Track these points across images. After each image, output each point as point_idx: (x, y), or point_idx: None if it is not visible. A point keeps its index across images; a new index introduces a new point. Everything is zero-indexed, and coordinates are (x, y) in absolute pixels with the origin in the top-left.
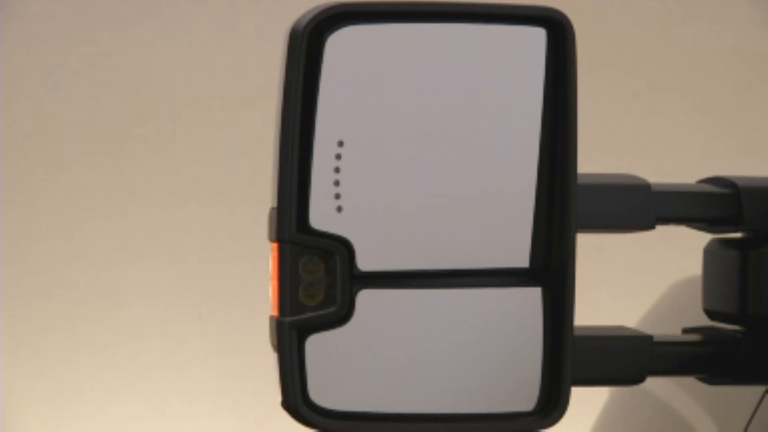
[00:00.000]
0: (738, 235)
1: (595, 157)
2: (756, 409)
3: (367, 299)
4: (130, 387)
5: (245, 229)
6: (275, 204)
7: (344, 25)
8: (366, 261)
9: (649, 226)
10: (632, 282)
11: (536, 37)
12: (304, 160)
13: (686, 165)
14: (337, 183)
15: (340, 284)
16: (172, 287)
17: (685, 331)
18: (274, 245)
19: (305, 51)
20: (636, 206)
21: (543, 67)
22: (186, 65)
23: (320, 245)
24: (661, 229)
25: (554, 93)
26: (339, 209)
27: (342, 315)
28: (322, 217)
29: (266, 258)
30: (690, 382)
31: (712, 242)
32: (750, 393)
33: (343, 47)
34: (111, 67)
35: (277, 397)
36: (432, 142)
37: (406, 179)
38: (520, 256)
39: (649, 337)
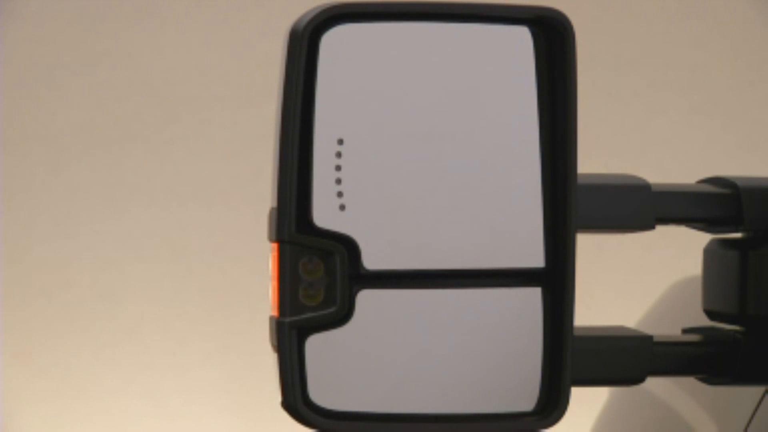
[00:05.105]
0: (738, 235)
1: (595, 157)
2: (756, 409)
3: (367, 299)
4: (130, 387)
5: (245, 229)
6: (275, 204)
7: (339, 24)
8: (371, 260)
9: (649, 226)
10: (632, 282)
11: (535, 37)
12: (304, 159)
13: (686, 165)
14: (338, 181)
15: (340, 284)
16: (172, 287)
17: (685, 331)
18: (274, 245)
19: (305, 51)
20: (636, 206)
21: (542, 66)
22: (186, 65)
23: (320, 245)
24: (661, 229)
25: (554, 93)
26: (342, 207)
27: (342, 315)
28: (325, 215)
29: (266, 258)
30: (690, 382)
31: (712, 242)
32: (750, 393)
33: (338, 45)
34: (111, 67)
35: (277, 397)
36: (431, 141)
37: (407, 178)
38: (532, 256)
39: (649, 337)
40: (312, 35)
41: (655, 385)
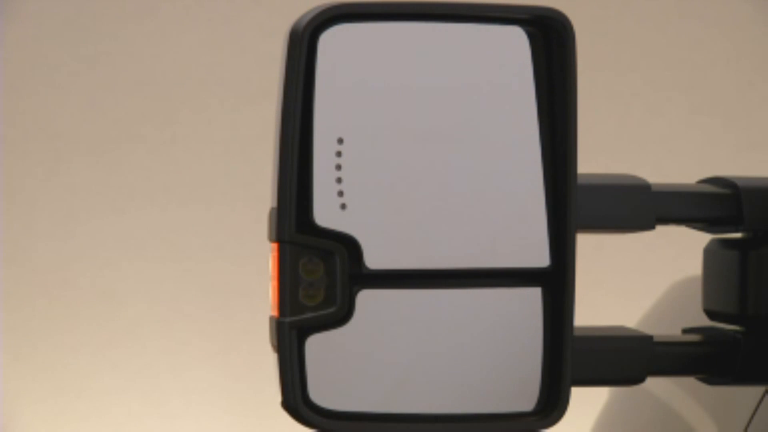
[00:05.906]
0: (738, 235)
1: (595, 157)
2: (756, 409)
3: (367, 299)
4: (130, 387)
5: (245, 229)
6: (275, 204)
7: (337, 23)
8: (373, 259)
9: (649, 226)
10: (632, 282)
11: (532, 36)
12: (304, 159)
13: (686, 165)
14: (339, 180)
15: (340, 284)
16: (172, 287)
17: (685, 331)
18: (274, 245)
19: (305, 51)
20: (636, 206)
21: (540, 65)
22: (186, 65)
23: (320, 245)
24: (661, 229)
25: (554, 92)
26: (343, 206)
27: (342, 315)
28: (326, 214)
29: (266, 258)
30: (690, 382)
31: (712, 242)
32: (750, 393)
33: (335, 45)
34: (111, 67)
35: (277, 397)
36: (431, 140)
37: (407, 177)
38: (536, 256)
39: (649, 337)
40: (312, 35)
41: (655, 385)
